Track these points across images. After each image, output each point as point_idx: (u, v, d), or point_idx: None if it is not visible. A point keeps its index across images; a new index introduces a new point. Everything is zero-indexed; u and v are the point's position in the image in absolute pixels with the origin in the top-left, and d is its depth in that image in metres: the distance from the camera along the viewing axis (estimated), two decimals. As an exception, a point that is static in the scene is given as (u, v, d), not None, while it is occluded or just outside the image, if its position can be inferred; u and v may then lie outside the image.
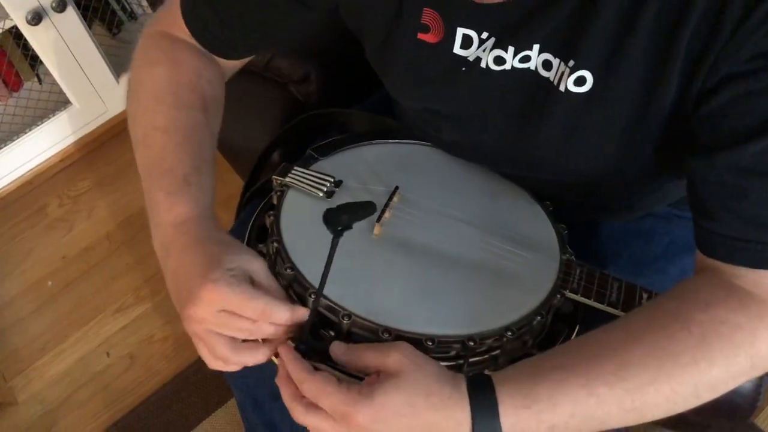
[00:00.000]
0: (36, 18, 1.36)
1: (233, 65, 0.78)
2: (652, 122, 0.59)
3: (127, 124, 0.72)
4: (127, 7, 1.77)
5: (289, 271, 0.64)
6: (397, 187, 0.72)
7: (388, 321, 0.61)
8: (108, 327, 1.44)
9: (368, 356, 0.56)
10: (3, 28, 1.39)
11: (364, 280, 0.65)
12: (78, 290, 1.50)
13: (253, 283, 0.59)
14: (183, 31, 0.73)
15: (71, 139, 1.66)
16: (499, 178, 0.76)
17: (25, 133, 1.58)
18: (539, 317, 0.64)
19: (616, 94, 0.59)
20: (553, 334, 0.67)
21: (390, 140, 0.80)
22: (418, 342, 0.59)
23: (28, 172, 1.65)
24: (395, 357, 0.54)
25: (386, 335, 0.60)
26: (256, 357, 0.60)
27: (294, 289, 0.65)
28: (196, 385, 1.33)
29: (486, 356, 0.63)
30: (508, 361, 0.64)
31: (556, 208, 0.74)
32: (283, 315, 0.58)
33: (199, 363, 1.37)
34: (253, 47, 0.76)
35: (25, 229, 1.61)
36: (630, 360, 0.53)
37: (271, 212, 0.70)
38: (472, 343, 0.61)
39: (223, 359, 0.59)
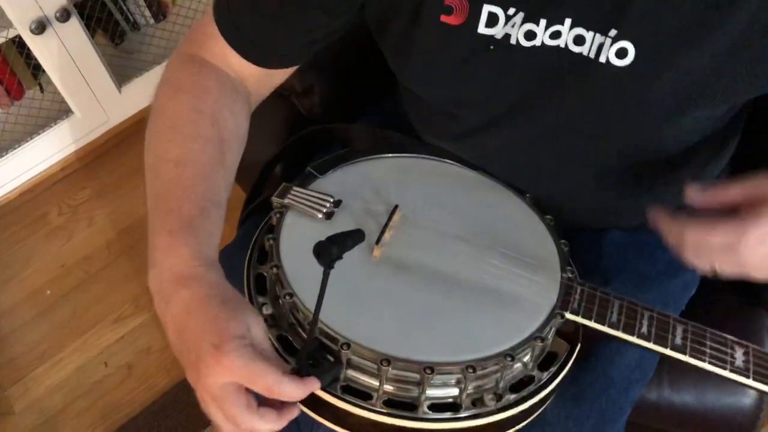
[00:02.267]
0: (40, 27, 1.37)
1: (262, 90, 0.77)
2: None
3: (144, 145, 0.70)
4: (130, 17, 1.78)
5: (288, 297, 0.64)
6: (396, 206, 0.72)
7: (387, 349, 0.60)
8: (106, 337, 1.44)
9: (737, 190, 0.59)
10: (6, 38, 1.39)
11: (364, 306, 0.64)
12: (77, 299, 1.50)
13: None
14: (213, 54, 0.72)
15: (72, 148, 1.66)
16: (500, 188, 0.77)
17: (27, 141, 1.59)
18: (539, 340, 0.64)
19: (662, 64, 0.60)
20: (554, 353, 0.67)
21: (390, 155, 0.80)
22: (416, 370, 0.59)
23: (29, 180, 1.65)
24: None
25: (385, 364, 0.60)
26: (267, 425, 0.57)
27: (294, 315, 0.65)
28: (194, 396, 1.32)
29: (486, 380, 0.63)
30: (508, 384, 0.64)
31: (560, 221, 0.74)
32: (293, 391, 0.56)
33: (197, 374, 1.36)
34: (284, 56, 0.74)
35: (25, 237, 1.61)
36: None
37: (270, 236, 0.70)
38: (471, 371, 0.60)
39: (234, 422, 0.57)
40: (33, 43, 1.41)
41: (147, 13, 1.79)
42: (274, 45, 0.72)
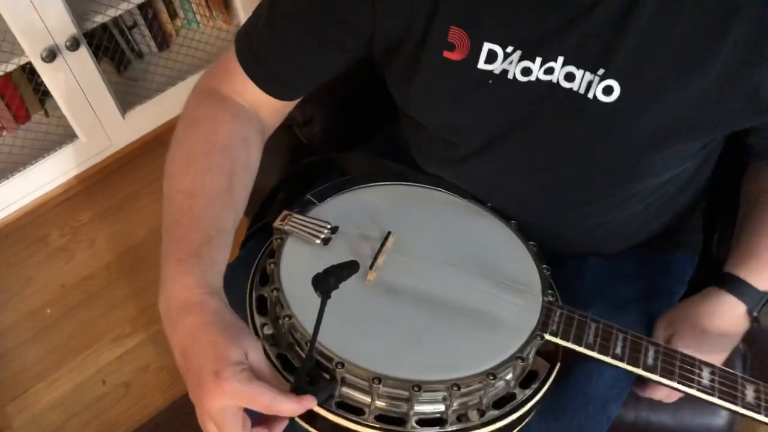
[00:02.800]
0: (50, 56, 1.43)
1: (275, 120, 0.82)
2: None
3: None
4: (135, 46, 1.84)
5: (288, 319, 0.68)
6: (389, 233, 0.77)
7: (378, 368, 0.65)
8: (104, 355, 1.47)
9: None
10: (18, 65, 1.44)
11: (358, 328, 0.69)
12: (76, 318, 1.53)
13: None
14: (231, 88, 0.78)
15: (75, 172, 1.71)
16: (487, 216, 0.82)
17: (31, 164, 1.63)
18: (520, 360, 0.68)
19: (644, 103, 0.65)
20: (535, 372, 0.71)
21: (384, 183, 0.85)
22: (406, 388, 0.64)
23: (32, 201, 1.69)
24: None
25: (376, 382, 0.64)
26: None
27: (293, 335, 0.69)
28: (190, 415, 1.34)
29: (470, 397, 0.68)
30: (491, 400, 0.69)
31: (544, 247, 0.79)
32: (288, 408, 0.60)
33: (193, 393, 1.40)
34: (300, 88, 0.80)
35: (27, 257, 1.64)
36: None
37: (272, 260, 0.74)
38: (456, 389, 0.65)
39: None
40: (43, 70, 1.46)
41: (152, 42, 1.85)
42: (290, 78, 0.77)
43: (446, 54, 0.71)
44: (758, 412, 0.67)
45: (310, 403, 0.62)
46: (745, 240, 0.79)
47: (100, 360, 1.47)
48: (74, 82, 1.52)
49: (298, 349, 0.70)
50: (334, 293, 0.64)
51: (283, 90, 0.79)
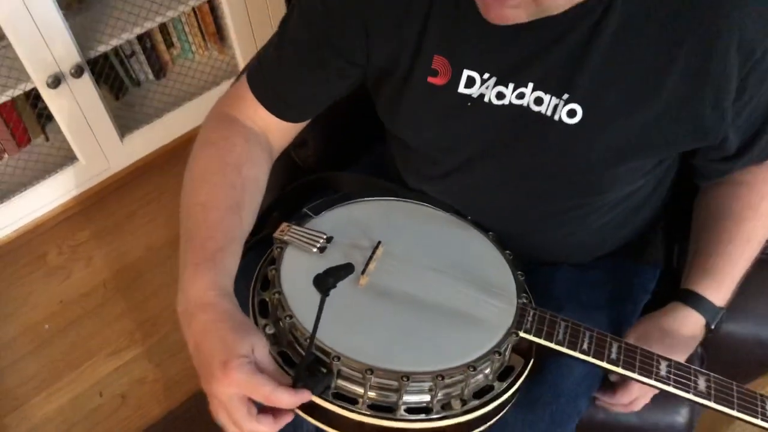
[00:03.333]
0: (55, 82, 1.50)
1: (283, 141, 0.91)
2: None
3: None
4: (133, 74, 1.92)
5: (288, 318, 0.75)
6: (379, 242, 0.85)
7: (371, 361, 0.72)
8: (102, 368, 1.53)
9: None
10: (24, 90, 1.52)
11: (352, 326, 0.77)
12: (74, 333, 1.59)
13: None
14: (242, 113, 0.87)
15: (74, 193, 1.78)
16: (467, 227, 0.90)
17: (32, 185, 1.70)
18: (497, 355, 0.76)
19: (603, 124, 0.75)
20: (511, 367, 0.79)
21: (374, 198, 0.93)
22: (395, 378, 0.71)
23: (31, 221, 1.75)
24: None
25: (369, 373, 0.72)
26: (264, 428, 0.69)
27: (293, 333, 0.76)
28: (186, 424, 1.41)
29: (453, 388, 0.75)
30: (472, 391, 0.76)
31: (518, 256, 0.87)
32: (286, 400, 0.67)
33: (188, 404, 1.46)
34: (306, 111, 0.89)
35: (26, 275, 1.70)
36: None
37: (272, 266, 0.82)
38: (440, 379, 0.73)
39: (237, 425, 0.69)
40: (48, 96, 1.54)
41: (149, 71, 1.94)
42: (296, 102, 0.87)
43: (430, 79, 0.80)
44: (708, 399, 0.75)
45: (305, 396, 0.69)
46: (702, 259, 0.88)
47: (97, 373, 1.52)
48: (77, 108, 1.60)
49: (297, 346, 0.77)
50: (330, 297, 0.72)
51: (290, 113, 0.88)
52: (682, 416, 0.99)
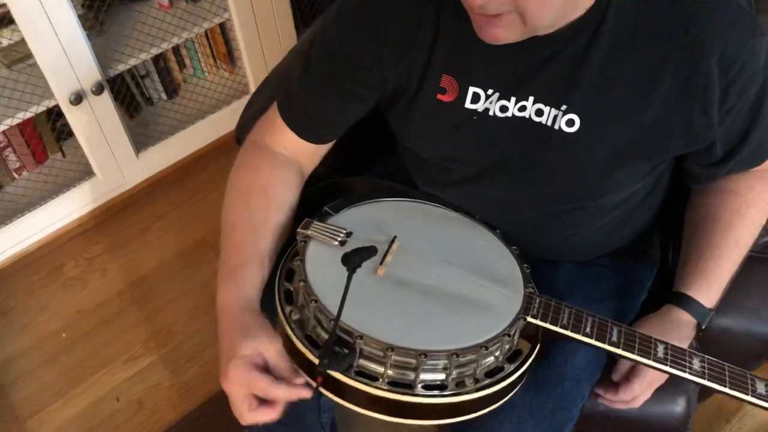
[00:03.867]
0: (77, 99, 1.58)
1: (313, 161, 1.00)
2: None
3: None
4: (146, 93, 2.00)
5: (314, 303, 0.82)
6: (395, 237, 0.92)
7: (391, 340, 0.78)
8: (118, 375, 1.58)
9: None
10: (48, 107, 1.59)
11: (372, 310, 0.83)
12: (91, 342, 1.64)
13: (267, 363, 0.80)
14: (272, 140, 0.96)
15: (90, 207, 1.84)
16: (475, 225, 0.96)
17: (52, 198, 1.76)
18: (507, 336, 0.82)
19: (600, 132, 0.82)
20: (519, 350, 0.85)
21: (390, 199, 1.00)
22: (414, 356, 0.77)
23: (48, 235, 1.81)
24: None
25: (389, 351, 0.78)
26: (260, 417, 0.79)
27: (317, 317, 0.82)
28: (200, 428, 1.46)
29: (466, 368, 0.81)
30: (484, 371, 0.82)
31: (522, 252, 0.93)
32: (282, 393, 0.78)
33: (203, 408, 1.51)
34: (332, 133, 0.98)
35: (43, 286, 1.76)
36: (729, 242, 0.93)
37: (297, 258, 0.88)
38: (455, 357, 0.79)
39: (238, 414, 0.80)
40: (69, 112, 1.61)
41: (161, 89, 2.01)
42: (322, 127, 0.96)
43: (439, 96, 0.87)
44: (703, 378, 0.81)
45: (300, 391, 0.78)
46: (693, 262, 0.95)
47: (113, 379, 1.57)
48: (96, 124, 1.67)
49: (320, 330, 0.83)
50: (351, 286, 0.78)
51: (317, 136, 0.97)
52: (679, 405, 1.05)
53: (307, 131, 0.96)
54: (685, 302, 0.93)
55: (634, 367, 0.96)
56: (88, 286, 1.75)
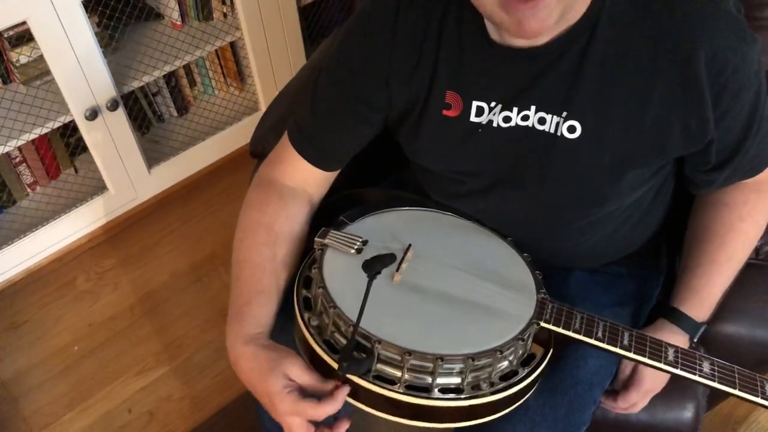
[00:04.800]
0: (93, 115, 1.61)
1: (322, 189, 1.03)
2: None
3: None
4: (157, 110, 2.03)
5: (332, 309, 0.84)
6: (410, 245, 0.94)
7: (408, 345, 0.80)
8: (130, 387, 1.59)
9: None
10: (63, 122, 1.62)
11: (389, 316, 0.85)
12: (102, 354, 1.66)
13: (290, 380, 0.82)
14: (282, 173, 0.99)
15: (102, 221, 1.87)
16: (488, 233, 0.99)
17: (63, 214, 1.79)
18: (521, 341, 0.84)
19: (601, 137, 0.84)
20: (533, 354, 0.87)
21: (404, 208, 1.02)
22: (431, 360, 0.79)
23: (61, 249, 1.84)
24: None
25: (407, 355, 0.80)
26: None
27: (336, 323, 0.84)
28: (212, 439, 1.48)
29: (481, 371, 0.83)
30: (498, 375, 0.84)
31: (535, 257, 0.96)
32: (330, 409, 0.79)
33: (214, 420, 1.52)
34: (342, 159, 1.01)
35: (55, 299, 1.78)
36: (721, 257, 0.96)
37: (315, 265, 0.91)
38: (471, 361, 0.81)
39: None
40: (84, 127, 1.64)
41: (172, 106, 2.05)
42: (333, 152, 0.99)
43: (445, 112, 0.90)
44: (713, 380, 0.83)
45: (344, 395, 0.80)
46: (687, 277, 0.98)
47: (125, 391, 1.59)
48: (110, 139, 1.70)
49: (339, 335, 0.85)
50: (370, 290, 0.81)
51: (328, 162, 0.99)
52: (689, 411, 1.06)
53: (318, 158, 0.98)
54: (677, 317, 0.96)
55: (632, 376, 0.99)
56: (99, 300, 1.77)
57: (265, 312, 0.89)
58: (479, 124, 0.89)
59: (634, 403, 0.99)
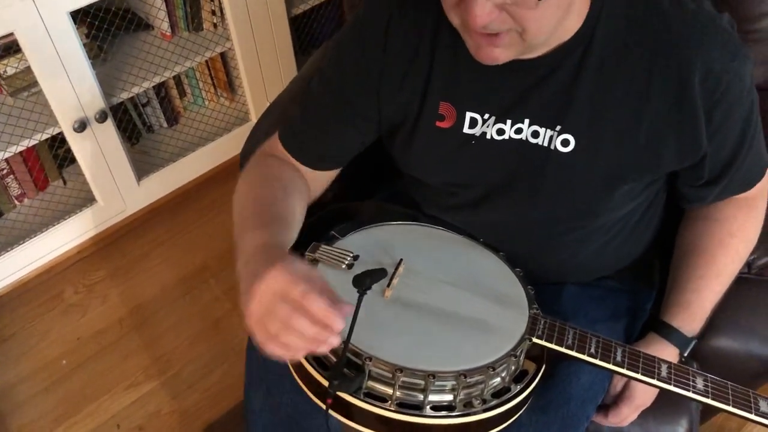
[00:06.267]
0: (81, 127, 1.60)
1: (316, 185, 1.01)
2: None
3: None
4: (147, 121, 2.02)
5: None
6: (401, 260, 0.93)
7: (400, 361, 0.80)
8: (119, 401, 1.57)
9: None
10: (51, 134, 1.61)
11: (380, 332, 0.84)
12: (91, 368, 1.64)
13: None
14: (281, 152, 0.99)
15: (91, 233, 1.85)
16: (480, 248, 0.98)
17: (51, 226, 1.77)
18: (513, 357, 0.83)
19: (594, 151, 0.84)
20: (525, 371, 0.86)
21: (395, 222, 1.02)
22: (422, 377, 0.78)
23: (48, 261, 1.82)
24: None
25: (398, 372, 0.79)
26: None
27: None
28: (201, 454, 1.46)
29: (473, 388, 0.82)
30: (491, 392, 0.83)
31: (528, 272, 0.95)
32: (321, 304, 0.68)
33: (204, 434, 1.50)
34: (329, 161, 1.00)
35: (43, 312, 1.76)
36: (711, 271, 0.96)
37: None
38: (463, 378, 0.80)
39: (304, 307, 0.69)
40: (73, 139, 1.63)
41: (162, 117, 2.04)
42: (321, 154, 0.98)
43: (438, 123, 0.90)
44: (707, 397, 0.82)
45: (339, 316, 0.70)
46: (676, 292, 0.98)
47: (114, 406, 1.57)
48: (98, 151, 1.69)
49: (329, 353, 0.84)
50: (359, 309, 0.79)
51: (310, 159, 0.99)
52: (682, 426, 1.06)
53: (302, 155, 0.98)
54: (667, 332, 0.96)
55: (624, 392, 0.98)
56: (88, 313, 1.75)
57: (284, 235, 0.85)
58: (472, 135, 0.88)
59: (625, 417, 0.99)
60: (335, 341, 0.71)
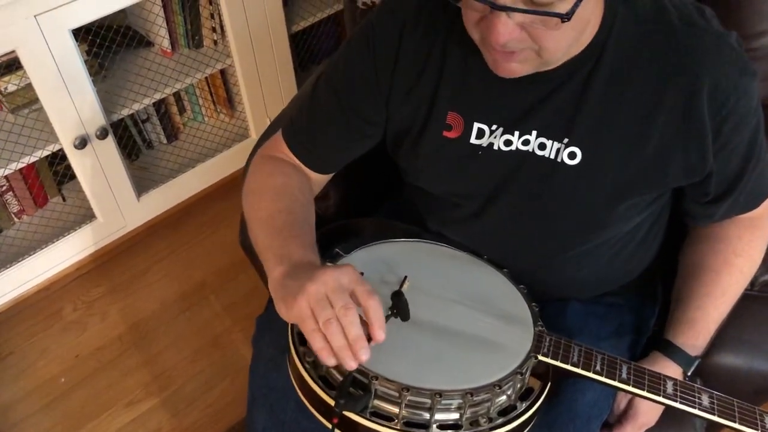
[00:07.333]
0: (82, 143, 1.60)
1: (320, 184, 1.03)
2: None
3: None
4: (147, 137, 2.02)
5: None
6: (405, 277, 0.93)
7: (406, 380, 0.79)
8: (119, 419, 1.56)
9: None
10: (52, 151, 1.61)
11: (385, 350, 0.83)
12: (90, 386, 1.63)
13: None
14: (284, 153, 0.99)
15: (91, 250, 1.84)
16: (483, 265, 0.98)
17: (50, 243, 1.76)
18: (519, 375, 0.83)
19: (601, 164, 0.84)
20: (531, 388, 0.86)
21: (399, 239, 1.02)
22: (428, 396, 0.78)
23: (47, 278, 1.81)
24: None
25: (405, 391, 0.78)
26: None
27: None
28: (202, 472, 1.44)
29: (480, 407, 0.82)
30: (497, 410, 0.83)
31: (532, 289, 0.95)
32: (377, 300, 0.74)
33: (204, 453, 1.49)
34: (333, 164, 1.01)
35: (41, 330, 1.75)
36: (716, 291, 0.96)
37: None
38: (469, 396, 0.79)
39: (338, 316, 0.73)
40: (73, 156, 1.63)
41: (161, 133, 2.04)
42: (324, 156, 0.98)
43: (445, 133, 0.90)
44: (713, 414, 0.82)
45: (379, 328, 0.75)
46: (681, 310, 0.98)
47: (113, 424, 1.56)
48: (99, 168, 1.69)
49: (334, 371, 0.83)
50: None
51: (319, 164, 0.99)
52: (686, 441, 1.06)
53: (308, 159, 0.99)
54: (671, 351, 0.96)
55: (628, 410, 0.98)
56: (87, 330, 1.75)
57: (307, 241, 0.88)
58: (479, 146, 0.89)
59: None
60: (364, 356, 0.73)
